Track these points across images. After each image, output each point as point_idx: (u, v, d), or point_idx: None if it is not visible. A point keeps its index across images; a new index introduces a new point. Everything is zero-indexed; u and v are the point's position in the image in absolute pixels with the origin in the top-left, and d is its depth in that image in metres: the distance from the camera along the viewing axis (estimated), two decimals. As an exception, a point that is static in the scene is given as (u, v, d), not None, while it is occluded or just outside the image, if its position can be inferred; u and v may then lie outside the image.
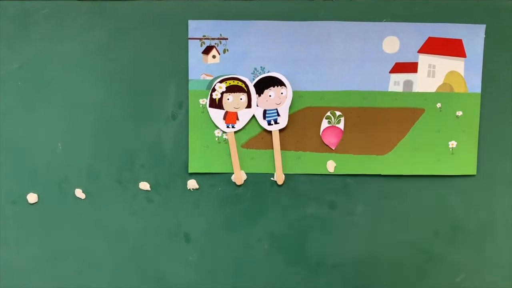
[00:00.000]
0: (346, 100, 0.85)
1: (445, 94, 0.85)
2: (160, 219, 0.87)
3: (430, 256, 0.88)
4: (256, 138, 0.86)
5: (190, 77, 0.85)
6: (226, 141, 0.86)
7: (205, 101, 0.85)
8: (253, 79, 0.85)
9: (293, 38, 0.84)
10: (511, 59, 0.85)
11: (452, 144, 0.86)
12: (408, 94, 0.85)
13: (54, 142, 0.86)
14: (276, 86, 0.84)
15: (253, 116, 0.85)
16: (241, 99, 0.85)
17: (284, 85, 0.84)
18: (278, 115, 0.85)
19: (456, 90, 0.85)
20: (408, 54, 0.84)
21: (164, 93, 0.85)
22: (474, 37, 0.84)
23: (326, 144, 0.86)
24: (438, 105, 0.85)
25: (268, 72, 0.85)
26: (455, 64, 0.85)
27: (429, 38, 0.84)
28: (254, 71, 0.85)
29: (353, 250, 0.88)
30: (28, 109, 0.85)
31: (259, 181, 0.87)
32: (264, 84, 0.85)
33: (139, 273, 0.88)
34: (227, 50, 0.84)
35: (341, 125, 0.85)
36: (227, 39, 0.84)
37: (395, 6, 0.84)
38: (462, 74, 0.85)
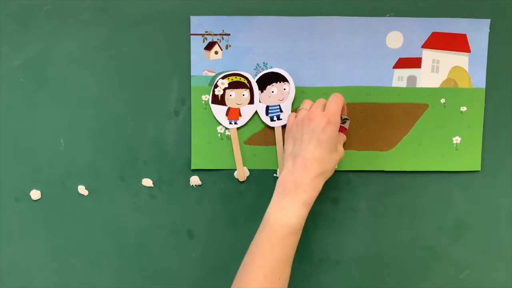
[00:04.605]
0: (349, 96, 0.84)
1: (449, 90, 0.84)
2: (163, 215, 0.87)
3: (433, 252, 0.87)
4: (259, 134, 0.86)
5: (192, 73, 0.84)
6: (228, 137, 0.85)
7: (208, 97, 0.85)
8: (256, 75, 0.84)
9: (296, 34, 0.84)
10: (516, 53, 0.85)
11: (456, 139, 0.85)
12: (411, 89, 0.84)
13: (56, 139, 0.86)
14: (278, 82, 0.84)
15: (256, 112, 0.85)
16: (243, 95, 0.85)
17: (287, 81, 0.84)
18: (281, 111, 0.84)
19: (460, 85, 0.84)
20: (411, 49, 0.84)
21: (167, 90, 0.85)
22: (478, 32, 0.83)
23: (329, 140, 0.85)
24: (442, 100, 0.85)
25: (271, 68, 0.84)
26: (459, 59, 0.84)
27: (433, 33, 0.83)
28: (256, 67, 0.84)
29: (356, 246, 0.87)
30: (30, 105, 0.85)
31: (262, 177, 0.86)
32: (267, 80, 0.84)
33: (142, 269, 0.88)
34: (230, 46, 0.84)
35: (344, 121, 0.85)
36: (229, 34, 0.84)
37: (398, 1, 0.83)
38: (467, 69, 0.84)
